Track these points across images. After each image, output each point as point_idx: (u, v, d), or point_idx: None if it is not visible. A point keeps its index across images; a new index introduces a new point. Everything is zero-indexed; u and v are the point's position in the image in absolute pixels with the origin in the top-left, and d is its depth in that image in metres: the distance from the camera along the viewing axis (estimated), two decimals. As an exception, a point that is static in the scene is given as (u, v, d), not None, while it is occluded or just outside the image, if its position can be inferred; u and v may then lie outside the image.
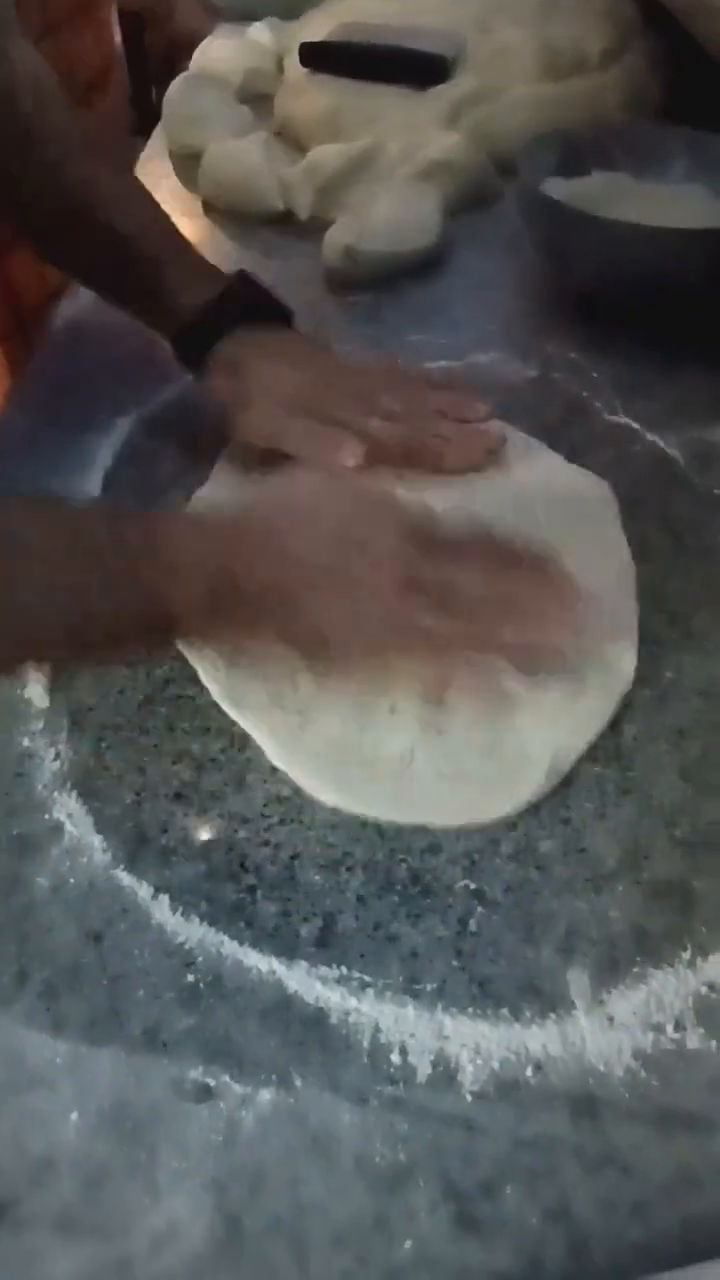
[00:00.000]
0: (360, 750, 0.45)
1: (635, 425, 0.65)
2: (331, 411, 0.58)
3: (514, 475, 0.59)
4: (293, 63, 1.04)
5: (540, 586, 0.45)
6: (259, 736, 0.46)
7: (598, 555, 0.53)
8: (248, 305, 0.62)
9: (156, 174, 0.98)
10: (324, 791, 0.44)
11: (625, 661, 0.48)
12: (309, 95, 1.00)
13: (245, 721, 0.46)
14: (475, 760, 0.45)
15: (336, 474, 0.55)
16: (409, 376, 0.63)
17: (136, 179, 0.69)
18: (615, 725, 0.47)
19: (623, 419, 0.65)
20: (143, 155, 1.05)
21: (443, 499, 0.55)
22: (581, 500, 0.58)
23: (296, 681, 0.47)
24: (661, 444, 0.63)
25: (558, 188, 0.77)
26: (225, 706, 0.47)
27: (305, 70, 1.02)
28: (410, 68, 0.97)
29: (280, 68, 1.11)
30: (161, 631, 0.46)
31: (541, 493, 0.57)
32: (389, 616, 0.44)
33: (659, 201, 0.78)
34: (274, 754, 0.45)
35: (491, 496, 0.57)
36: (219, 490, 0.59)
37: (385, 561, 0.44)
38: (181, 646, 0.49)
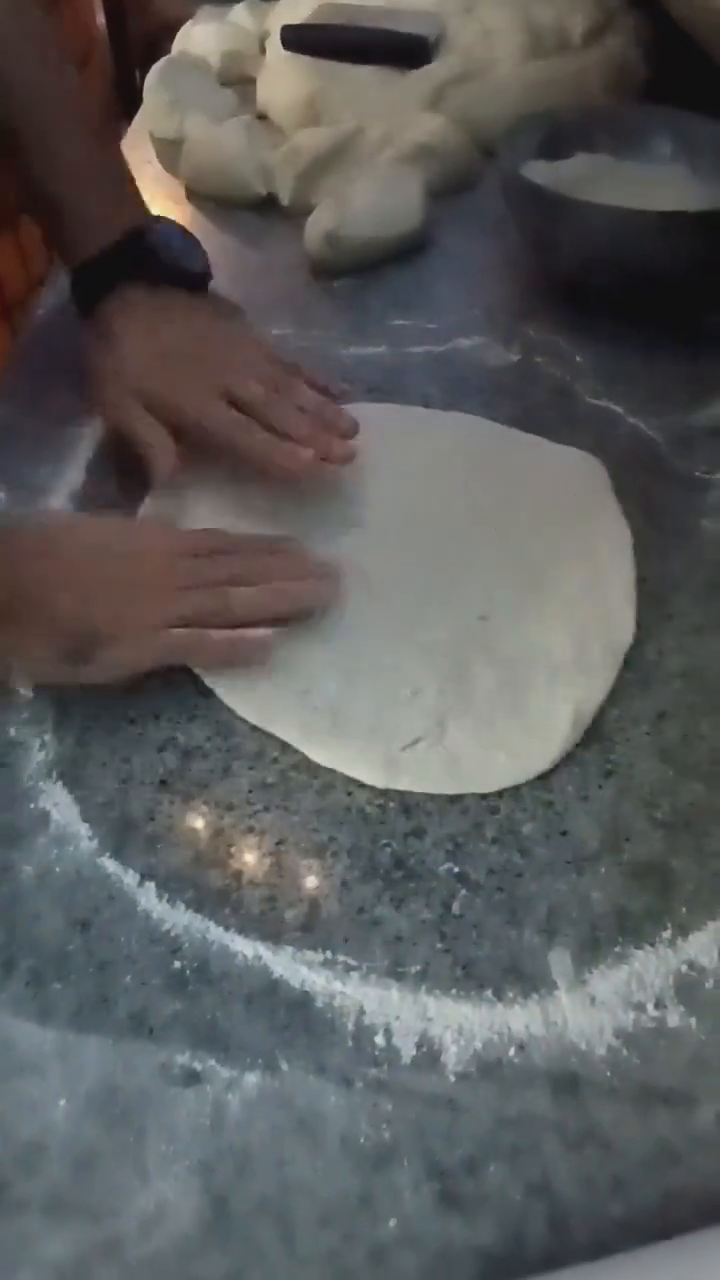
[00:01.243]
0: (396, 732, 0.46)
1: (617, 409, 0.65)
2: (174, 397, 0.57)
3: (505, 463, 0.60)
4: (274, 45, 1.03)
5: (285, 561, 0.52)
6: (295, 742, 0.46)
7: (593, 525, 0.56)
8: (144, 262, 0.60)
9: (138, 159, 0.97)
10: (371, 775, 0.45)
11: (625, 616, 0.51)
12: (291, 78, 0.99)
13: (279, 731, 0.46)
14: (502, 724, 0.46)
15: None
16: (286, 368, 0.61)
17: (68, 86, 0.64)
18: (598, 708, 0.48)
19: (605, 403, 0.65)
20: (124, 139, 1.04)
21: (436, 491, 0.57)
22: (572, 476, 0.59)
23: (319, 681, 0.48)
24: (643, 427, 0.63)
25: (540, 171, 0.76)
26: (255, 720, 0.47)
27: (287, 53, 1.01)
28: (392, 50, 0.96)
29: (262, 50, 1.10)
30: None
31: (533, 476, 0.59)
32: (156, 601, 0.47)
33: (642, 183, 0.77)
34: (316, 755, 0.46)
35: (487, 487, 0.58)
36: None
37: (154, 560, 0.49)
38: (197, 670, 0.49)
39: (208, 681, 0.48)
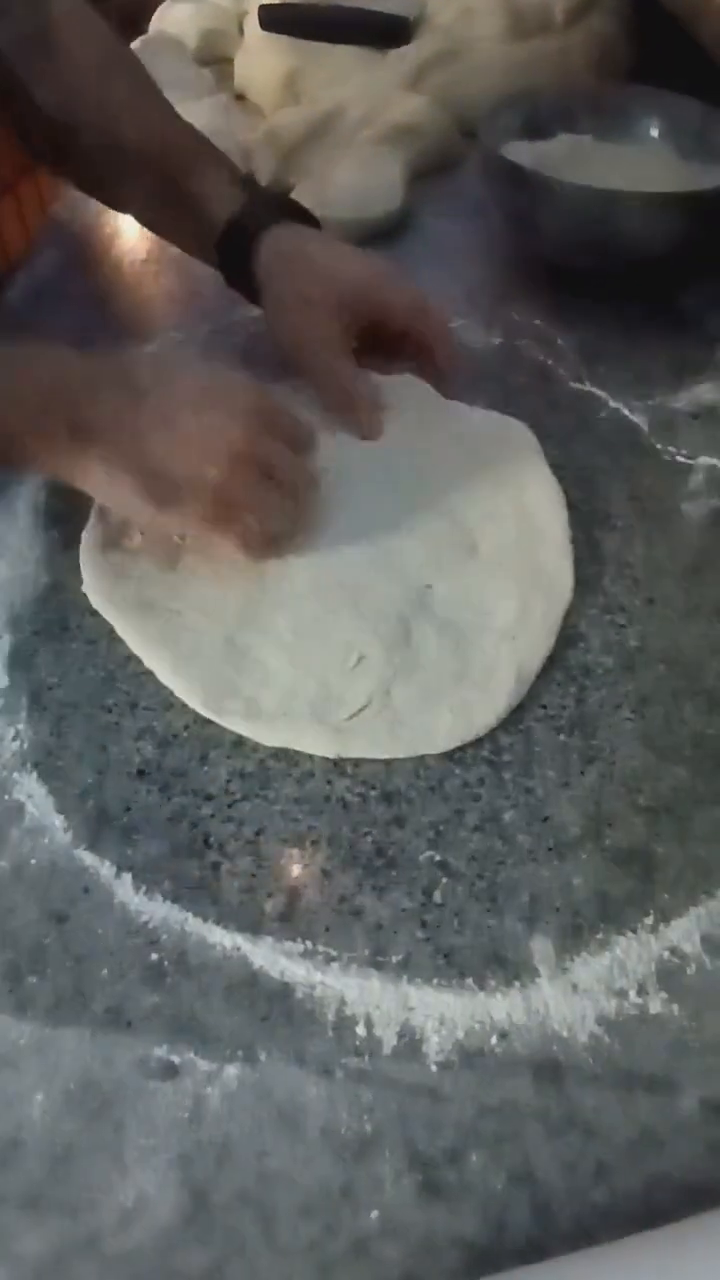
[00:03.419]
0: (341, 701, 0.46)
1: (599, 393, 0.64)
2: (383, 295, 0.58)
3: (439, 429, 0.59)
4: (252, 25, 1.02)
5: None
6: (240, 729, 0.46)
7: (526, 487, 0.56)
8: (281, 204, 0.61)
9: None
10: (320, 747, 0.45)
11: (563, 575, 0.52)
12: (269, 58, 0.98)
13: (223, 719, 0.46)
14: (448, 686, 0.46)
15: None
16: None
17: (155, 89, 0.65)
18: (580, 694, 0.47)
19: (587, 386, 0.65)
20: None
21: (374, 459, 0.57)
22: (503, 441, 0.59)
23: (264, 657, 0.48)
24: (625, 411, 0.63)
25: (521, 151, 0.76)
26: (199, 706, 0.46)
27: (265, 32, 0.99)
28: (371, 29, 0.95)
29: (240, 30, 1.08)
30: None
31: (467, 441, 0.59)
32: (223, 481, 0.48)
33: (624, 164, 0.77)
34: (263, 737, 0.45)
35: (424, 455, 0.58)
36: None
37: (234, 423, 0.48)
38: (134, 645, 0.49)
39: (148, 664, 0.48)
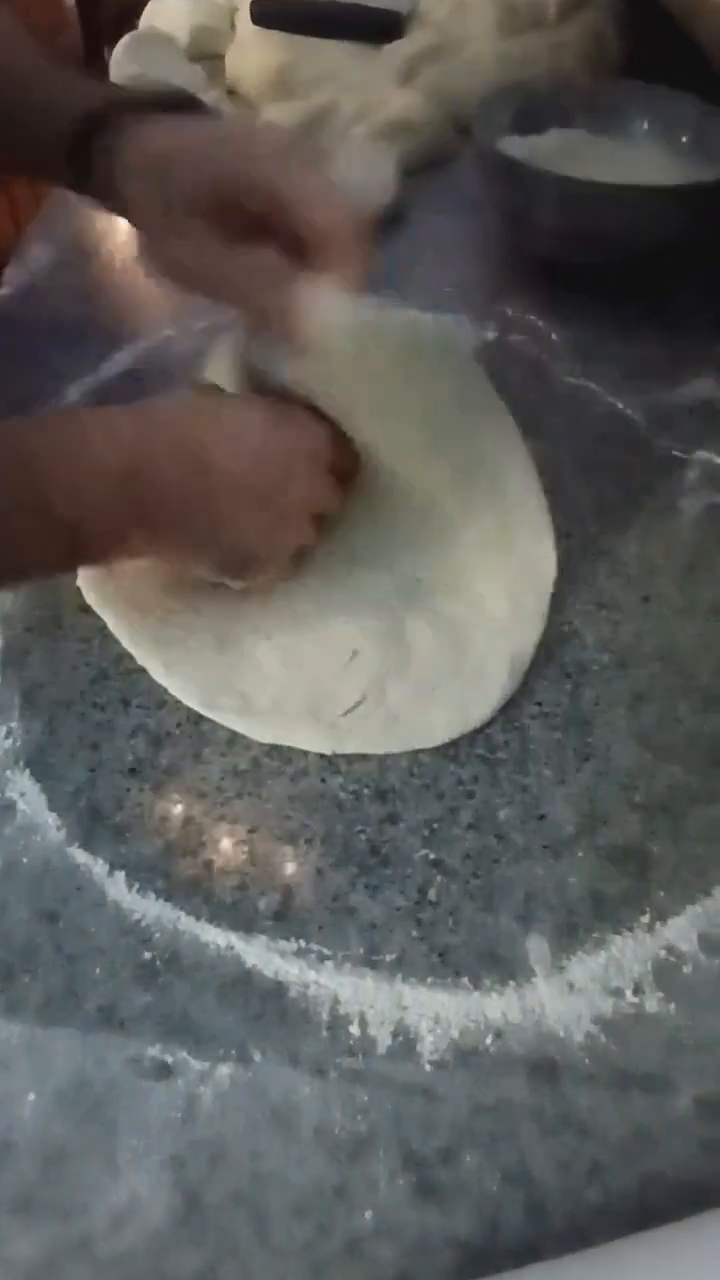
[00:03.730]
0: (335, 697, 0.46)
1: (595, 387, 0.64)
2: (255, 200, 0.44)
3: (408, 415, 0.52)
4: (244, 20, 1.01)
5: None
6: (233, 725, 0.46)
7: (508, 469, 0.51)
8: (161, 99, 0.49)
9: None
10: (314, 743, 0.45)
11: (546, 560, 0.50)
12: (261, 53, 0.97)
13: (216, 716, 0.46)
14: (442, 681, 0.46)
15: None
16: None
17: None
18: (574, 691, 0.47)
19: (582, 381, 0.65)
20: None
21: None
22: (478, 422, 0.52)
23: (258, 655, 0.48)
24: (621, 406, 0.62)
25: (514, 145, 0.75)
26: (194, 703, 0.46)
27: (257, 28, 0.99)
28: (364, 24, 0.95)
29: (232, 25, 1.08)
30: (67, 552, 0.44)
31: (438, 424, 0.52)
32: (295, 547, 0.48)
33: (617, 159, 0.77)
34: (257, 734, 0.45)
35: (400, 445, 0.52)
36: None
37: (304, 485, 0.47)
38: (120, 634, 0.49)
39: (141, 661, 0.48)
